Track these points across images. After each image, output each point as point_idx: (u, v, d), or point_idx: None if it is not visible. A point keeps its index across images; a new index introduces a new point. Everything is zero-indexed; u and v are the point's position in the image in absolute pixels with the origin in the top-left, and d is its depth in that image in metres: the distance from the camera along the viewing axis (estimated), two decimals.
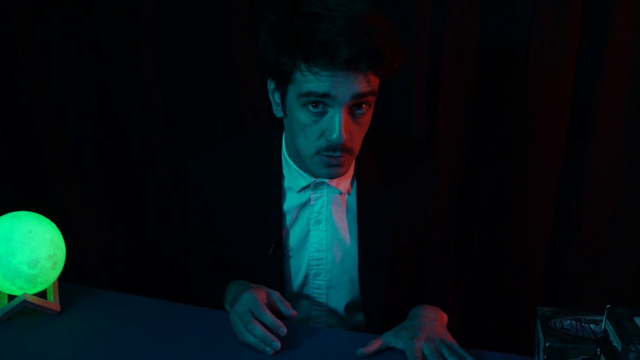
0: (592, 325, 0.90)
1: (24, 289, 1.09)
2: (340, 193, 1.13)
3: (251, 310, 1.02)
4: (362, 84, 0.93)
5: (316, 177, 1.09)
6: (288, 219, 1.14)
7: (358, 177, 1.13)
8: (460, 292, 1.29)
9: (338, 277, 1.17)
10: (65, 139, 1.54)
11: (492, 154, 1.43)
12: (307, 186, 1.12)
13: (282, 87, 0.99)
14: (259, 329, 1.00)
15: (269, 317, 1.00)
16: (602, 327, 0.82)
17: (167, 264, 1.67)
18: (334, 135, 0.94)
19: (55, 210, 1.46)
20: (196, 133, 1.57)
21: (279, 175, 1.13)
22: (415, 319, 1.08)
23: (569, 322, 0.91)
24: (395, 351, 1.03)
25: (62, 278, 1.18)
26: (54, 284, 1.17)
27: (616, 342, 0.77)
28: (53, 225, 1.15)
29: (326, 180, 1.10)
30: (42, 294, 1.14)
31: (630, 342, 0.74)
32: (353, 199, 1.14)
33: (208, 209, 1.18)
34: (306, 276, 1.17)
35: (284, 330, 0.99)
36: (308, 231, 1.15)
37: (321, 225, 1.14)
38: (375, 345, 1.02)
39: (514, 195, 1.43)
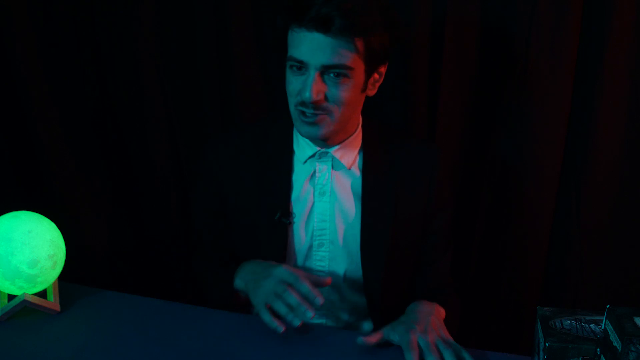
0: (592, 325, 0.90)
1: (24, 289, 1.09)
2: (344, 167, 1.18)
3: (286, 282, 1.03)
4: (333, 54, 1.01)
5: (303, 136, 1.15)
6: (296, 190, 1.19)
7: (364, 156, 1.19)
8: (461, 292, 1.29)
9: (340, 249, 1.20)
10: (65, 139, 1.54)
11: (492, 154, 1.43)
12: (313, 156, 1.17)
13: (284, 56, 1.09)
14: (295, 297, 1.01)
15: (307, 287, 1.02)
16: (602, 327, 0.82)
17: (167, 264, 1.67)
18: (306, 94, 1.04)
19: (55, 210, 1.46)
20: (196, 132, 1.57)
21: (289, 148, 1.20)
22: (412, 313, 1.09)
23: (569, 322, 0.91)
24: (395, 351, 1.03)
25: (62, 278, 1.18)
26: (54, 284, 1.16)
27: (616, 342, 0.77)
28: (53, 225, 1.15)
29: (330, 151, 1.16)
30: (42, 294, 1.14)
31: (630, 342, 0.74)
32: (359, 178, 1.19)
33: (220, 183, 1.22)
34: (310, 247, 1.20)
35: (320, 300, 1.00)
36: (313, 202, 1.19)
37: (325, 196, 1.18)
38: (375, 337, 1.03)
39: (514, 195, 1.43)
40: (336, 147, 1.17)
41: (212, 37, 1.46)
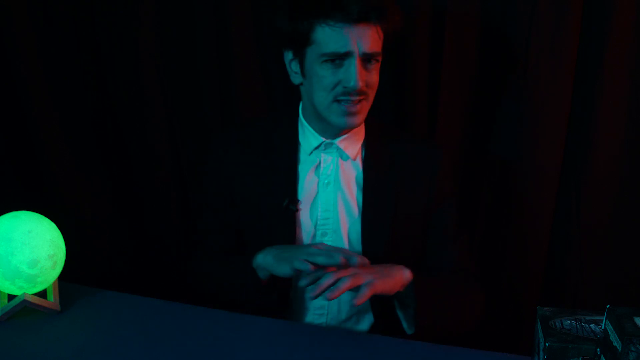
0: (592, 325, 0.90)
1: (24, 288, 1.09)
2: (349, 158, 1.20)
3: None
4: (373, 39, 1.08)
5: (334, 128, 1.17)
6: (301, 180, 1.21)
7: (366, 150, 1.22)
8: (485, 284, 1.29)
9: (343, 239, 1.21)
10: (66, 138, 1.54)
11: (492, 154, 1.43)
12: (318, 147, 1.20)
13: (300, 52, 1.12)
14: (337, 254, 1.04)
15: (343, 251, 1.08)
16: (602, 327, 0.82)
17: (167, 264, 1.67)
18: (352, 82, 1.08)
19: (55, 210, 1.46)
20: (196, 132, 1.57)
21: (295, 139, 1.22)
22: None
23: (569, 322, 0.91)
24: (396, 352, 1.03)
25: (62, 278, 1.18)
26: (54, 283, 1.16)
27: (616, 342, 0.77)
28: (53, 225, 1.15)
29: (335, 142, 1.19)
30: (42, 294, 1.14)
31: (630, 342, 0.74)
32: (362, 172, 1.21)
33: (229, 177, 1.24)
34: (314, 236, 1.22)
35: (357, 259, 1.05)
36: (317, 192, 1.21)
37: (329, 187, 1.21)
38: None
39: (514, 195, 1.43)
40: (340, 138, 1.20)
41: (212, 37, 1.46)
